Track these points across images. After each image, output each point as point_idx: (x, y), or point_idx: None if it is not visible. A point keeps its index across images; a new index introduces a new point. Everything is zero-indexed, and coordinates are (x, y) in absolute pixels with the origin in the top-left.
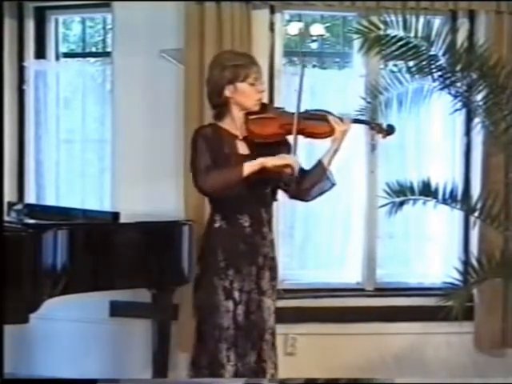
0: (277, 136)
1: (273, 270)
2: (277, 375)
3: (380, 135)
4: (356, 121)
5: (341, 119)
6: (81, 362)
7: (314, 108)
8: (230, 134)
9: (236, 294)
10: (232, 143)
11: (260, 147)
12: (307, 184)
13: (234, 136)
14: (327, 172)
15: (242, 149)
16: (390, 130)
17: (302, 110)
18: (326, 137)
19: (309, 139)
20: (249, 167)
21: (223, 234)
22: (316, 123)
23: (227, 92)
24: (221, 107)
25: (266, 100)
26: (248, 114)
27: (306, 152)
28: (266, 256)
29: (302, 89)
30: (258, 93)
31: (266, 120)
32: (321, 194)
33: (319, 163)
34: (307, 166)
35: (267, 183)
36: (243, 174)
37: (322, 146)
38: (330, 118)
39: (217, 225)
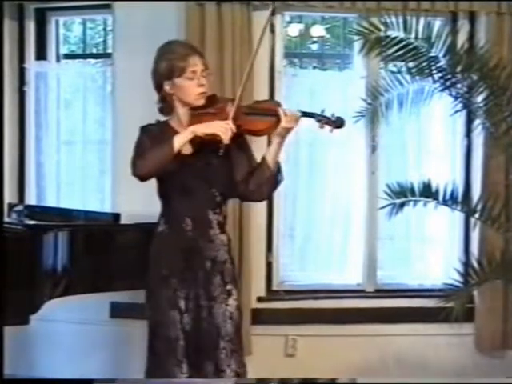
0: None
1: (225, 273)
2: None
3: (328, 128)
4: (303, 114)
5: (291, 114)
6: (81, 363)
7: (263, 99)
8: (175, 133)
9: (181, 303)
10: None
11: (204, 146)
12: (253, 185)
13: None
14: (272, 170)
15: (186, 148)
16: (338, 123)
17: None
18: (265, 133)
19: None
20: (179, 139)
21: (165, 240)
22: (255, 119)
23: (167, 88)
24: (164, 102)
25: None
26: (193, 109)
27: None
28: (215, 260)
29: (247, 80)
30: (198, 86)
31: (206, 116)
32: (270, 192)
33: (263, 161)
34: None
35: (213, 182)
36: (175, 149)
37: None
38: (280, 111)
39: (159, 229)
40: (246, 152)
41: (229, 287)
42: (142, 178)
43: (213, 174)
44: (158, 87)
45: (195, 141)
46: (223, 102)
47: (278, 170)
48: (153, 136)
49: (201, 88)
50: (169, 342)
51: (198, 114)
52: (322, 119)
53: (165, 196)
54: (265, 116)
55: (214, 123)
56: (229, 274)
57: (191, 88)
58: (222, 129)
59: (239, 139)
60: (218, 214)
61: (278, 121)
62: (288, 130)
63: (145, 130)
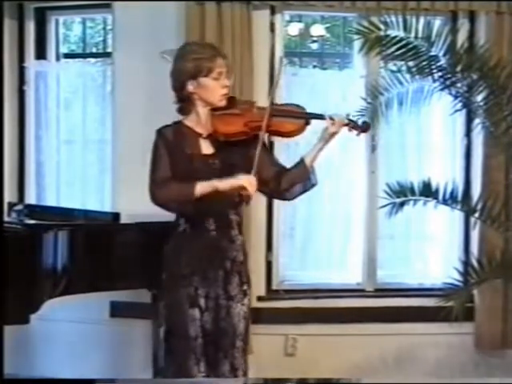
0: (241, 134)
1: (242, 274)
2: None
3: (355, 132)
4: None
5: (336, 119)
6: (81, 362)
7: (285, 102)
8: (194, 133)
9: (202, 301)
10: (195, 143)
11: (226, 145)
12: (287, 183)
13: (197, 135)
14: (309, 172)
15: (206, 148)
16: (364, 127)
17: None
18: (293, 135)
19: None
20: (201, 188)
21: (187, 239)
22: (283, 120)
23: (190, 87)
24: (184, 102)
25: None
26: (213, 109)
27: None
28: (235, 260)
29: (277, 86)
30: (222, 88)
31: (231, 117)
32: (301, 193)
33: (301, 162)
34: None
35: None
36: (195, 194)
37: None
38: (326, 116)
39: (181, 229)
40: (267, 153)
41: (245, 287)
42: (160, 207)
43: (234, 175)
44: (180, 86)
45: (216, 141)
46: (243, 104)
47: (313, 173)
48: (170, 143)
49: (225, 89)
50: (188, 340)
51: (220, 114)
52: (350, 123)
53: None
54: (292, 118)
55: (239, 178)
56: (245, 275)
57: (216, 88)
58: (247, 182)
59: (257, 143)
60: (236, 214)
61: (305, 124)
62: (332, 135)
63: (160, 134)
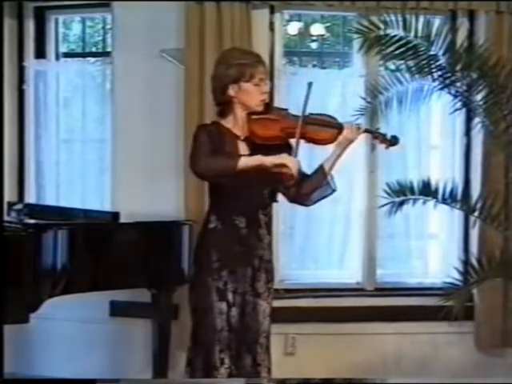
0: (277, 139)
1: (269, 272)
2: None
3: (383, 145)
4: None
5: (355, 127)
6: (81, 361)
7: (318, 112)
8: (232, 134)
9: (230, 296)
10: (233, 143)
11: (261, 149)
12: (307, 189)
13: (235, 136)
14: (328, 177)
15: (243, 149)
16: (393, 141)
17: (306, 113)
18: (327, 143)
19: (310, 144)
20: (245, 161)
21: (218, 235)
22: (318, 129)
23: (231, 91)
24: (224, 105)
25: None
26: (250, 113)
27: (308, 154)
28: (262, 258)
29: (310, 94)
30: (262, 93)
31: (268, 121)
32: (321, 199)
33: (320, 168)
34: (309, 170)
35: (266, 184)
36: (237, 167)
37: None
38: (345, 124)
39: (211, 225)
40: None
41: (270, 285)
42: (199, 176)
43: (265, 176)
44: (222, 90)
45: (252, 143)
46: (279, 111)
47: (331, 179)
48: (212, 135)
49: (263, 95)
50: (214, 331)
51: (257, 118)
52: (379, 136)
53: (218, 194)
54: (326, 127)
55: (283, 156)
56: (271, 274)
57: (256, 94)
58: (291, 162)
59: (291, 149)
60: (265, 214)
61: (338, 133)
62: (349, 142)
63: (203, 128)
